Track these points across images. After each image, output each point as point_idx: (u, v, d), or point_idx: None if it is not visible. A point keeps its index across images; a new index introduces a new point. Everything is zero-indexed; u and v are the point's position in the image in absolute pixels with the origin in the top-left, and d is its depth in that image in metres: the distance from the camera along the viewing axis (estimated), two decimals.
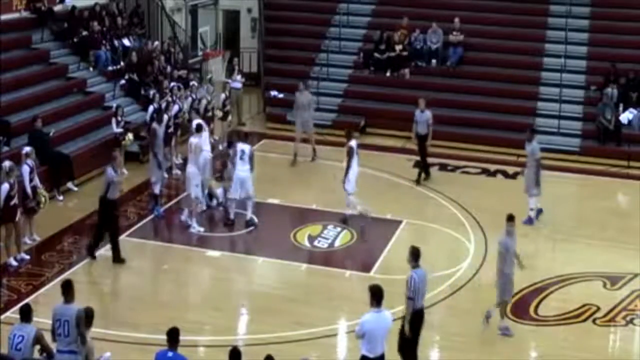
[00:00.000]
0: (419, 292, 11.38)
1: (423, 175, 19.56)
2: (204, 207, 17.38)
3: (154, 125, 18.02)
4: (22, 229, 15.45)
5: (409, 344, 11.46)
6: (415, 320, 11.44)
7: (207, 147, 17.37)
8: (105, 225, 15.19)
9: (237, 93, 24.17)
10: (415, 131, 19.50)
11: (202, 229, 16.66)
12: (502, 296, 12.88)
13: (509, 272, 12.78)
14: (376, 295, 10.10)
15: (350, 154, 16.92)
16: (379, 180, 19.75)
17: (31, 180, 15.56)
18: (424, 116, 19.29)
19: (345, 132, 17.77)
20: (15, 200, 14.86)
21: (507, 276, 12.78)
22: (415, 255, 11.54)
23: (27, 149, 16.02)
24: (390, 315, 10.36)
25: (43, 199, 15.80)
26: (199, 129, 17.28)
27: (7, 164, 15.08)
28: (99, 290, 14.39)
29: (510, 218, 12.97)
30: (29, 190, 15.46)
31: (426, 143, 19.44)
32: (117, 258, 15.06)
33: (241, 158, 16.64)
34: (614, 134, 22.01)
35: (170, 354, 9.42)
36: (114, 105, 20.49)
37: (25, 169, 15.49)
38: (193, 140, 16.98)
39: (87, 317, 10.04)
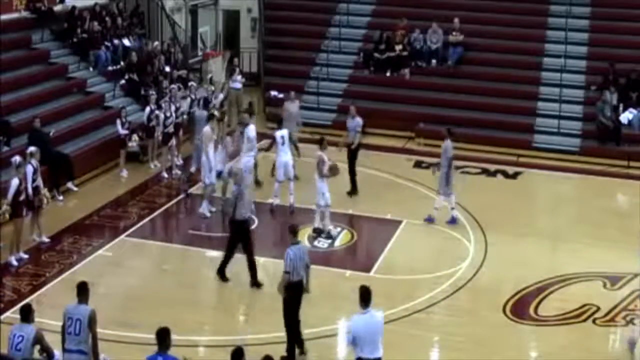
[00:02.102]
0: (294, 267, 11.83)
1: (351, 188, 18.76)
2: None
3: (198, 112, 19.21)
4: (31, 228, 15.57)
5: (290, 316, 11.91)
6: (292, 291, 11.90)
7: (250, 153, 17.51)
8: (231, 245, 14.26)
9: (237, 93, 24.11)
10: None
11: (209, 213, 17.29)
12: None
13: None
14: (363, 297, 9.99)
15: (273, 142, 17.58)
16: (379, 180, 19.74)
17: (34, 180, 15.53)
18: (353, 123, 18.84)
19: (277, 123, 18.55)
20: (23, 196, 14.94)
21: None
22: (293, 232, 12.29)
23: (32, 148, 15.95)
24: (381, 315, 10.14)
25: (45, 200, 15.78)
26: (210, 118, 17.99)
27: (16, 158, 15.18)
28: (99, 290, 14.34)
29: None
30: (30, 190, 15.45)
31: (351, 147, 18.74)
32: (255, 281, 14.35)
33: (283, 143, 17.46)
34: (614, 133, 22.00)
35: (160, 358, 9.31)
36: (120, 106, 20.40)
37: (29, 169, 15.43)
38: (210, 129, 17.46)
39: None
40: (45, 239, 15.85)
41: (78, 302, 9.96)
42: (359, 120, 18.86)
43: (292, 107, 20.70)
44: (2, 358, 9.81)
